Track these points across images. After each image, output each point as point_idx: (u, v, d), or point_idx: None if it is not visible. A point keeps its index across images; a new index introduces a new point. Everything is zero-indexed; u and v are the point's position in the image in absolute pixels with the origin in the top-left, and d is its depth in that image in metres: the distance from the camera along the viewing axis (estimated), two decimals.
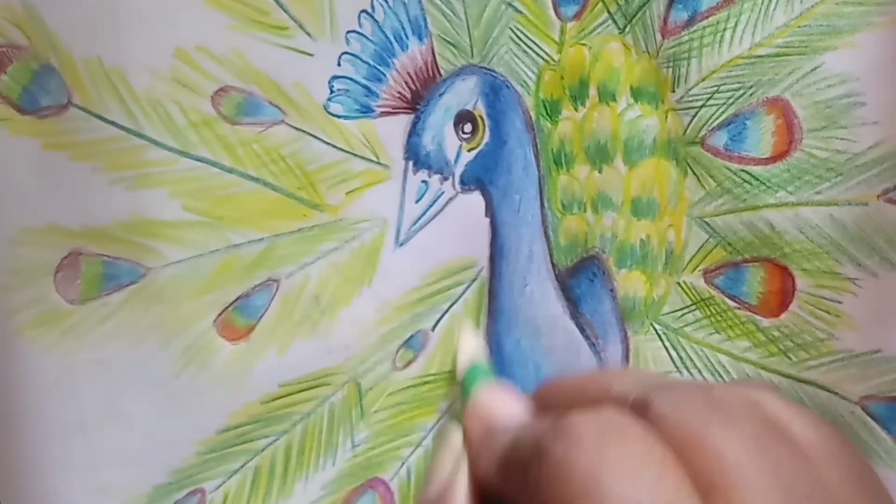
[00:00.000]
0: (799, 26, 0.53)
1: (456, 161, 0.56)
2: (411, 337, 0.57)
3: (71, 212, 0.48)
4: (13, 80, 0.47)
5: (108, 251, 0.49)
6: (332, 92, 0.52)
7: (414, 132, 0.54)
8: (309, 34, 0.51)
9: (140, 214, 0.49)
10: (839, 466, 0.27)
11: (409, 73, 0.54)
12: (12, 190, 0.47)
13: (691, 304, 0.59)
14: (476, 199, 0.57)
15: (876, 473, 0.29)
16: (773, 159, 0.55)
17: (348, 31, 0.51)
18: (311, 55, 0.51)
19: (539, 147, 0.58)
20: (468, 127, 0.56)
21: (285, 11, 0.50)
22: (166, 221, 0.50)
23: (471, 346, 0.36)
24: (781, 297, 0.57)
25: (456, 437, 0.33)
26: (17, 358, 0.47)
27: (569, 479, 0.24)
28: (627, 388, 0.28)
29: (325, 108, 0.52)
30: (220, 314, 0.52)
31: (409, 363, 0.57)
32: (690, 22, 0.55)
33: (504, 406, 0.34)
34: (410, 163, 0.55)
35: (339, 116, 0.52)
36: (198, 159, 0.50)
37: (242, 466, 0.53)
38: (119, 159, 0.49)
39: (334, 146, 0.52)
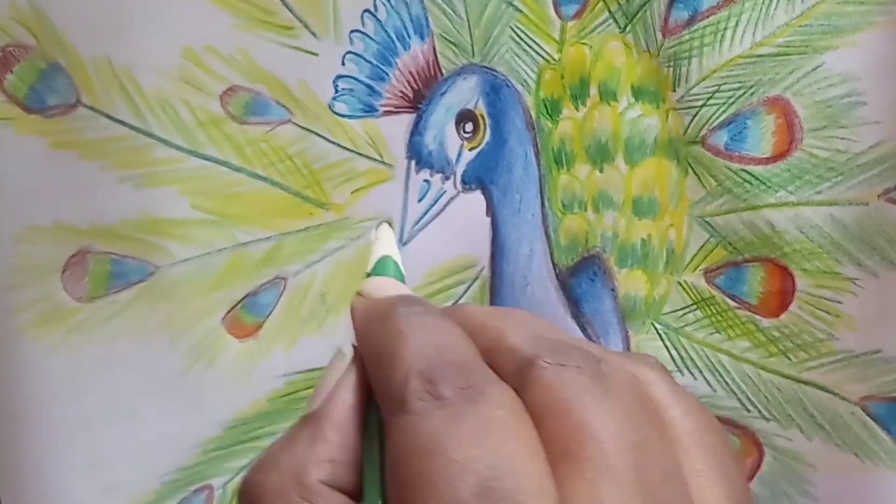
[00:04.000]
0: (800, 25, 0.53)
1: (457, 160, 0.56)
2: None
3: (79, 210, 0.49)
4: (20, 79, 0.47)
5: (116, 249, 0.50)
6: (336, 91, 0.52)
7: (416, 131, 0.55)
8: (314, 34, 0.51)
9: (148, 213, 0.50)
10: (706, 455, 0.27)
11: (411, 73, 0.54)
12: (19, 188, 0.47)
13: (692, 304, 0.59)
14: (477, 199, 0.57)
15: (743, 470, 0.28)
16: (773, 159, 0.55)
17: (352, 31, 0.52)
18: (315, 55, 0.51)
19: (539, 146, 0.58)
20: (469, 126, 0.56)
21: (290, 11, 0.50)
22: (175, 220, 0.50)
23: (387, 241, 0.35)
24: (781, 297, 0.57)
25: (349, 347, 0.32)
26: (21, 355, 0.48)
27: (417, 444, 0.24)
28: (520, 341, 0.27)
29: (330, 107, 0.52)
30: (228, 312, 0.52)
31: None
32: (691, 21, 0.55)
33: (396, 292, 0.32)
34: (413, 162, 0.55)
35: (343, 116, 0.52)
36: (206, 158, 0.50)
37: (249, 463, 0.54)
38: (127, 158, 0.49)
39: (339, 145, 0.53)
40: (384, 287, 0.32)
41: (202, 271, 0.51)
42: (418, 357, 0.26)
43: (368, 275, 0.34)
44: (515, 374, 0.26)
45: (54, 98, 0.47)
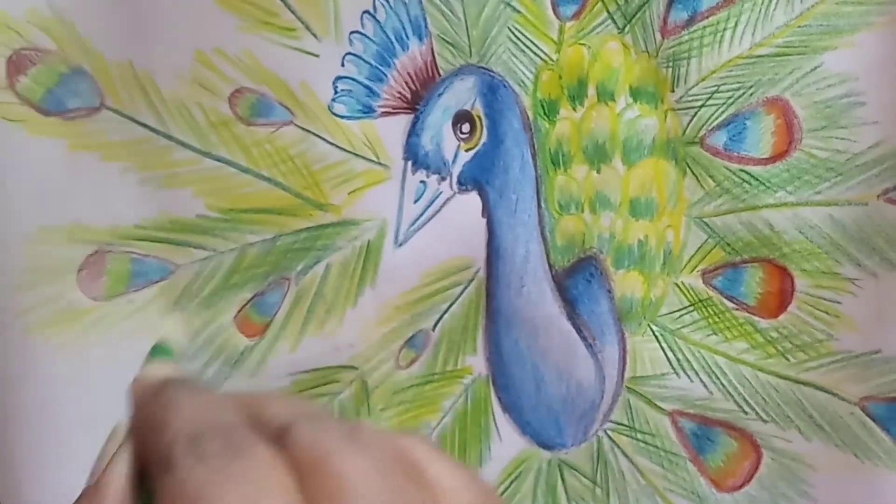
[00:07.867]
0: (799, 26, 0.54)
1: (454, 161, 0.55)
2: (413, 336, 0.57)
3: (98, 210, 0.49)
4: (35, 82, 0.47)
5: (138, 248, 0.50)
6: (335, 92, 0.52)
7: (413, 132, 0.54)
8: (315, 35, 0.51)
9: (169, 213, 0.50)
10: None
11: (409, 73, 0.53)
12: (31, 189, 0.47)
13: (689, 305, 0.59)
14: (473, 200, 0.57)
15: None
16: (772, 159, 0.56)
17: (352, 32, 0.51)
18: (316, 56, 0.51)
19: (536, 147, 0.57)
20: (466, 127, 0.55)
21: (292, 12, 0.50)
22: (192, 220, 0.51)
23: (169, 327, 0.37)
24: (780, 297, 0.57)
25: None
26: (28, 355, 0.48)
27: (184, 494, 0.26)
28: (280, 410, 0.30)
29: (329, 108, 0.52)
30: (239, 311, 0.53)
31: (411, 362, 0.57)
32: (690, 22, 0.55)
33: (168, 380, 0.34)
34: (409, 163, 0.54)
35: (342, 116, 0.52)
36: (218, 159, 0.51)
37: None
38: (149, 160, 0.49)
39: (337, 146, 0.52)
40: (159, 371, 0.35)
41: (216, 270, 0.52)
42: (185, 422, 0.28)
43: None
44: (276, 437, 0.28)
45: (75, 101, 0.47)
